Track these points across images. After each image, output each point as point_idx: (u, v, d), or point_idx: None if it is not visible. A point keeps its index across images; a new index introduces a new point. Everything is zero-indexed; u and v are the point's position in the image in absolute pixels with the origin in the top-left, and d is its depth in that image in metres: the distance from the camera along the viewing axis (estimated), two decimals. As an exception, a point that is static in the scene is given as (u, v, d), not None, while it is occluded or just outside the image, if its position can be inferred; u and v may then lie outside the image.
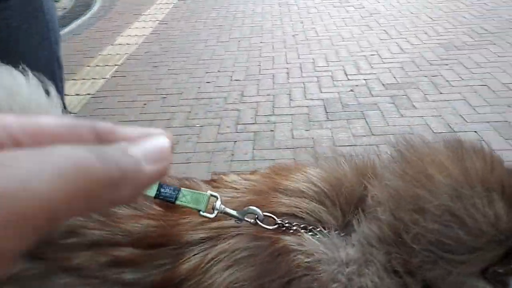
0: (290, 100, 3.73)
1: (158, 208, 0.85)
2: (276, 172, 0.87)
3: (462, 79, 3.83)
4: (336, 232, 0.74)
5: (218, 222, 0.78)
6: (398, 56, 4.51)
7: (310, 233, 0.73)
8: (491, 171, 0.71)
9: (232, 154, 2.96)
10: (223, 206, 0.73)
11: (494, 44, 4.53)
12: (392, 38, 5.03)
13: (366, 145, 2.99)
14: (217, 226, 0.79)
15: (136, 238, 0.81)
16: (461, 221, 0.67)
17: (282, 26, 5.85)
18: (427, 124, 3.18)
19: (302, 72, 4.31)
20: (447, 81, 3.83)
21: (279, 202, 0.78)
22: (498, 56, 4.21)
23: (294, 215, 0.77)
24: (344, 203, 0.77)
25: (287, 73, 4.31)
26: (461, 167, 0.72)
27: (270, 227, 0.74)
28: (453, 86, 3.72)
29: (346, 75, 4.16)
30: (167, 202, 0.68)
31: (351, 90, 3.83)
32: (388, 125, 3.22)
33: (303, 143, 3.05)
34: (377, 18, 5.80)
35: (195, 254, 0.77)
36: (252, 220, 0.74)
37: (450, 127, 3.12)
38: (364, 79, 4.03)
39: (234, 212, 0.74)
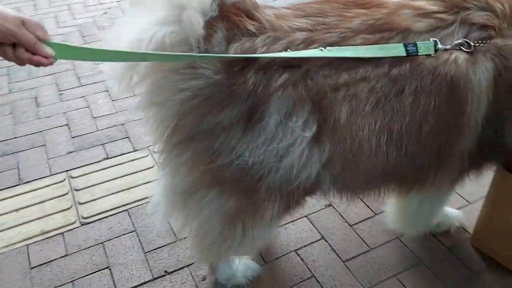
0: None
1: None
2: None
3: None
4: None
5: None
6: None
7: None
8: None
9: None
10: (442, 46, 1.13)
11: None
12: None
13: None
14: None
15: (362, 30, 1.12)
16: None
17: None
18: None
19: (50, 2, 4.14)
20: None
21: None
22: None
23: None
24: None
25: (34, 4, 4.08)
26: None
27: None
28: None
29: (99, -1, 4.20)
30: (411, 55, 1.10)
31: (105, 13, 3.92)
32: (144, 39, 3.50)
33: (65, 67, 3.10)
34: None
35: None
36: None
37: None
38: (117, 1, 4.14)
39: (455, 43, 1.14)
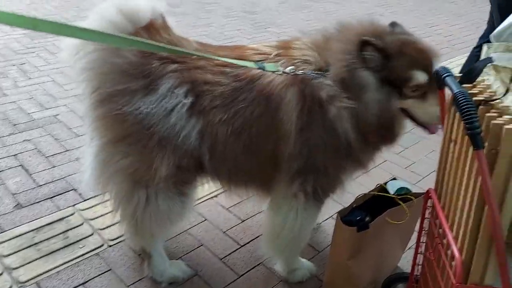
0: None
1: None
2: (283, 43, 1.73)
3: (49, 63, 4.17)
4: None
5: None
6: (-18, 49, 4.37)
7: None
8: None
9: None
10: (282, 69, 1.55)
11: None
12: (-28, 32, 4.77)
13: (-43, 139, 2.88)
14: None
15: (228, 56, 1.61)
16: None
17: None
18: (21, 108, 3.35)
19: None
20: (35, 66, 4.07)
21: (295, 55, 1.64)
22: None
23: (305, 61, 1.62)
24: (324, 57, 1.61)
25: None
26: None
27: (300, 73, 1.56)
28: (41, 71, 4.00)
29: None
30: (261, 69, 1.56)
31: None
32: (-20, 116, 3.19)
33: None
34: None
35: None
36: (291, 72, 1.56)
37: (42, 105, 3.40)
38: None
39: (287, 69, 1.55)
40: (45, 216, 2.29)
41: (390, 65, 1.55)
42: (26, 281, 1.91)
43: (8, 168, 2.64)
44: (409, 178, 2.76)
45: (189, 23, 5.61)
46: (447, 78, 1.23)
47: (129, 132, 1.61)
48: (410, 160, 2.99)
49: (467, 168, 1.25)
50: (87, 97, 1.66)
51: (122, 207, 1.77)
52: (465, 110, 1.09)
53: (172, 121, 1.59)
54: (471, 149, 1.19)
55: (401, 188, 1.90)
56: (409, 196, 1.85)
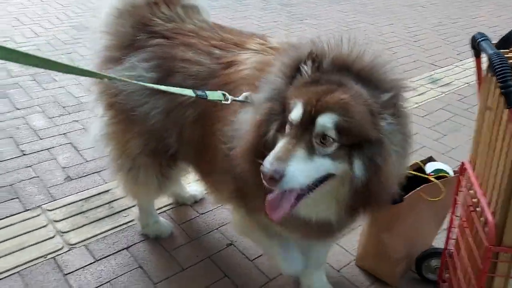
0: None
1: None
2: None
3: (95, 52, 4.38)
4: None
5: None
6: (34, 39, 4.64)
7: None
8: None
9: None
10: (231, 97, 1.36)
11: (118, 23, 5.29)
12: (24, 24, 5.08)
13: (12, 119, 3.10)
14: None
15: (224, 39, 1.62)
16: None
17: None
18: (69, 92, 3.56)
19: None
20: (81, 55, 4.29)
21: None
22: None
23: None
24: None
25: None
26: None
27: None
28: (87, 60, 4.21)
29: (-21, 62, 4.00)
30: (202, 99, 1.36)
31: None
32: (32, 99, 3.41)
33: None
34: (5, 7, 5.65)
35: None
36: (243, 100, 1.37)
37: (89, 90, 3.59)
38: (1, 63, 3.99)
39: (238, 98, 1.36)
40: (92, 188, 2.44)
41: None
42: (76, 243, 2.06)
43: (59, 145, 2.82)
44: (446, 163, 2.73)
45: (227, 16, 5.72)
46: (482, 42, 1.25)
47: (109, 102, 1.71)
48: (448, 147, 2.95)
49: (501, 132, 1.26)
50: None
51: (114, 164, 1.86)
52: (500, 69, 1.11)
53: (132, 96, 1.61)
54: (506, 113, 1.21)
55: (438, 170, 1.89)
56: (444, 174, 1.85)
